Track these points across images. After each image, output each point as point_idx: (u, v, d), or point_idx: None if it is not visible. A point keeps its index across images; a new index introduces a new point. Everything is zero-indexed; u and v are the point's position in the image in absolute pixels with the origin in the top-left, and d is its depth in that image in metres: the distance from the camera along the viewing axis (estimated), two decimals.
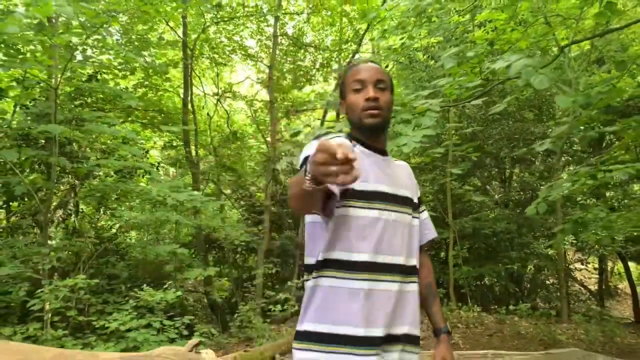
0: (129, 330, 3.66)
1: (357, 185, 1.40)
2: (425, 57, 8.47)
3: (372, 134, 1.52)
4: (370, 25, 9.54)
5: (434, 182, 8.29)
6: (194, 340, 2.04)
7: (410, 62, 8.90)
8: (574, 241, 8.67)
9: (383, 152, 1.56)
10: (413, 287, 1.48)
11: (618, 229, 4.45)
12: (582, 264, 9.51)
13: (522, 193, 8.89)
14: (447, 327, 1.60)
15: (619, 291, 12.29)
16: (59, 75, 4.40)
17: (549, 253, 8.04)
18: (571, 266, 9.83)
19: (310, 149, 1.38)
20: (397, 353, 1.40)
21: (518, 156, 8.35)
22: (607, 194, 8.30)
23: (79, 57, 5.35)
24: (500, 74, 2.22)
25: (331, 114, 10.63)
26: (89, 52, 6.14)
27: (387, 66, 8.11)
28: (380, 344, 1.36)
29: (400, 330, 1.41)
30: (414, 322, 1.46)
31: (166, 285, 4.68)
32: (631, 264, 10.74)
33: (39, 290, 4.02)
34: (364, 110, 1.49)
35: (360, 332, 1.34)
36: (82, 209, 8.69)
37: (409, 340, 1.43)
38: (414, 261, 1.49)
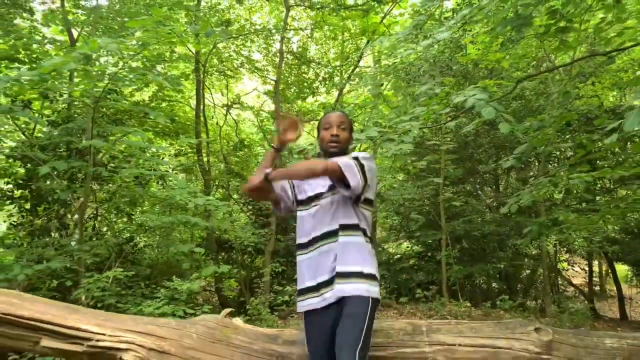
0: (162, 314, 4.30)
1: (300, 197, 2.37)
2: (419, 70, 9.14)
3: (331, 157, 2.28)
4: (370, 40, 10.25)
5: (428, 187, 8.94)
6: (227, 310, 2.70)
7: (406, 75, 9.58)
8: (561, 241, 9.27)
9: None
10: (336, 244, 2.19)
11: (578, 229, 5.08)
12: (569, 264, 10.10)
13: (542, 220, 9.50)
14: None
15: (613, 293, 12.82)
16: (97, 97, 5.08)
17: (533, 253, 8.66)
18: (564, 267, 10.41)
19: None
20: (330, 291, 2.14)
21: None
22: (598, 197, 8.89)
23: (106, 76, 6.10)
24: (462, 104, 2.86)
25: None
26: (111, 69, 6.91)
27: (382, 84, 8.76)
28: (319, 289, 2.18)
29: (322, 278, 2.18)
30: (341, 263, 2.15)
31: (191, 277, 5.33)
32: (625, 267, 11.29)
33: (85, 281, 4.68)
34: (329, 143, 2.30)
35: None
36: (101, 212, 9.36)
37: (338, 275, 2.14)
38: (335, 225, 2.20)
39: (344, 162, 2.13)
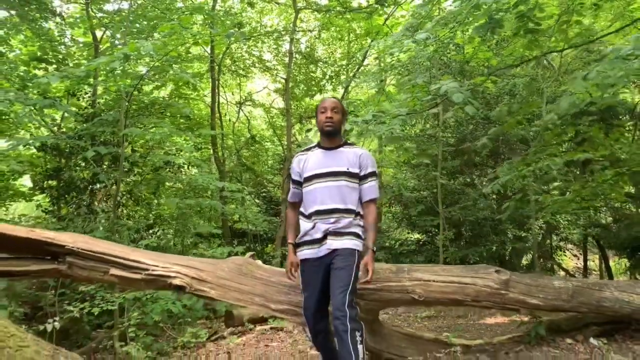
0: None
1: (305, 174, 2.91)
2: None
3: (327, 137, 2.94)
4: (374, 40, 10.91)
5: (427, 176, 9.60)
6: (250, 252, 3.39)
7: (412, 86, 10.24)
8: (552, 227, 9.87)
9: (332, 148, 2.93)
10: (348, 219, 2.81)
11: (553, 209, 5.70)
12: (561, 250, 10.69)
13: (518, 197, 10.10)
14: (374, 247, 2.81)
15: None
16: (131, 93, 5.82)
17: (523, 235, 9.28)
18: (559, 255, 10.98)
19: (293, 163, 3.01)
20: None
21: (504, 154, 9.65)
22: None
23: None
24: (437, 92, 3.52)
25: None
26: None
27: (382, 80, 9.39)
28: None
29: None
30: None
31: (217, 245, 6.04)
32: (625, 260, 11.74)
33: None
34: (324, 124, 2.89)
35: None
36: (125, 201, 10.12)
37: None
38: (350, 206, 2.81)
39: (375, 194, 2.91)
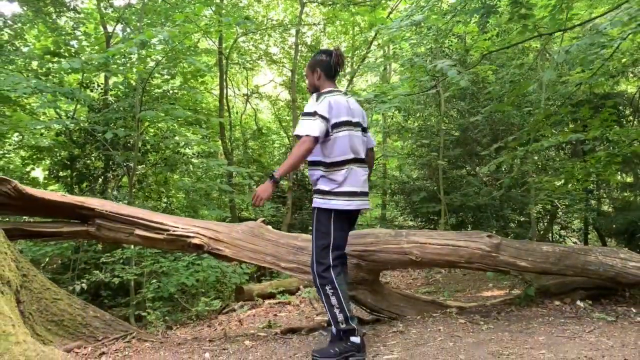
0: None
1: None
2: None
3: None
4: (377, 33, 11.18)
5: (430, 165, 9.87)
6: (262, 218, 3.69)
7: (411, 65, 10.51)
8: (550, 213, 10.12)
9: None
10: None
11: (547, 190, 5.97)
12: (560, 237, 10.94)
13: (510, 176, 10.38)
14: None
15: None
16: (146, 79, 6.14)
17: (522, 220, 9.54)
18: (559, 242, 11.24)
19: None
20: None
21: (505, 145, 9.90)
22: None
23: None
24: (434, 71, 3.80)
25: None
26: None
27: (383, 68, 9.62)
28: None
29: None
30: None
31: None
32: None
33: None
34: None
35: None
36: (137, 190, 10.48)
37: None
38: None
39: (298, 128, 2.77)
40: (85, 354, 3.02)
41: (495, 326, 3.34)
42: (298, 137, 2.75)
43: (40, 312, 3.11)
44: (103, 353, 3.09)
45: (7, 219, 4.11)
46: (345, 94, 3.09)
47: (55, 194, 3.37)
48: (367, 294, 3.69)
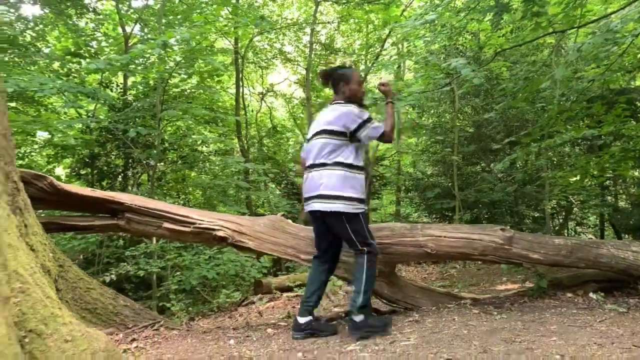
0: None
1: None
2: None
3: (362, 106, 3.27)
4: (391, 31, 11.27)
5: (444, 161, 9.95)
6: (282, 212, 3.85)
7: (425, 64, 10.59)
8: (565, 208, 10.13)
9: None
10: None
11: (562, 185, 6.03)
12: (576, 233, 10.95)
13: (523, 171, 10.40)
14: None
15: None
16: (167, 79, 6.33)
17: (536, 216, 9.58)
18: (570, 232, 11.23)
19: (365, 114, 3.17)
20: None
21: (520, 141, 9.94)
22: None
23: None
24: (448, 69, 3.91)
25: None
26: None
27: (397, 66, 9.71)
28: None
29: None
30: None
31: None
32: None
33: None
34: (364, 94, 3.30)
35: None
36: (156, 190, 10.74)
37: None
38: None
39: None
40: (118, 340, 3.20)
41: (508, 316, 3.45)
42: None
43: (75, 300, 3.29)
44: (134, 339, 3.27)
45: (43, 214, 4.30)
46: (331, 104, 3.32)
47: (87, 189, 3.56)
48: (384, 286, 3.82)
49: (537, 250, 3.79)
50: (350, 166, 3.11)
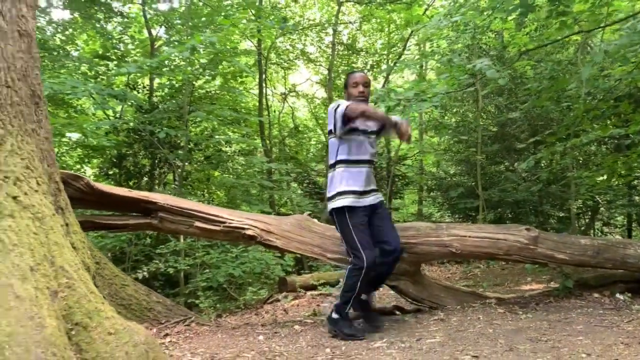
0: None
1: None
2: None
3: None
4: (414, 31, 11.26)
5: (467, 161, 9.91)
6: (308, 212, 3.93)
7: (448, 62, 10.56)
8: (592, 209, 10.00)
9: None
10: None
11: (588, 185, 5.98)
12: (602, 233, 10.79)
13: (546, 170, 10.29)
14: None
15: None
16: (194, 81, 6.49)
17: (561, 216, 9.48)
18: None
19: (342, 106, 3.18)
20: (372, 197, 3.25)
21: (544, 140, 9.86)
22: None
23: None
24: (472, 70, 3.93)
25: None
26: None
27: (420, 66, 9.67)
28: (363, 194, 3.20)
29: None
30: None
31: None
32: None
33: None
34: (357, 97, 3.25)
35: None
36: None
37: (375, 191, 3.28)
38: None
39: None
40: (152, 335, 3.33)
41: (533, 316, 3.47)
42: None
43: (111, 296, 3.43)
44: (167, 334, 3.39)
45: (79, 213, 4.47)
46: None
47: (122, 189, 3.70)
48: (409, 285, 3.87)
49: (563, 250, 3.80)
50: (346, 162, 3.23)
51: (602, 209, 9.88)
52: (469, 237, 3.73)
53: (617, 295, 4.00)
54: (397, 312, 3.97)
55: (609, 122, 7.73)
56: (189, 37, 6.29)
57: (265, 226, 3.60)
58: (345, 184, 3.19)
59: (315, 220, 3.88)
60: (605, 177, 6.11)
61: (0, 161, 2.34)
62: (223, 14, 8.31)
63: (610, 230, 11.54)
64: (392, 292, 4.50)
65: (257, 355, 2.78)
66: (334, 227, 3.84)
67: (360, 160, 3.26)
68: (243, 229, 3.53)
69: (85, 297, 2.25)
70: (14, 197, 2.28)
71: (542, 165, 10.25)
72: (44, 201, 2.47)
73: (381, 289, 5.38)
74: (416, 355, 2.61)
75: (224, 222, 3.55)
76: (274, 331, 3.47)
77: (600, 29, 4.61)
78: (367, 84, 3.30)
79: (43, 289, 2.06)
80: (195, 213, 3.60)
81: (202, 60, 7.10)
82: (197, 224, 3.59)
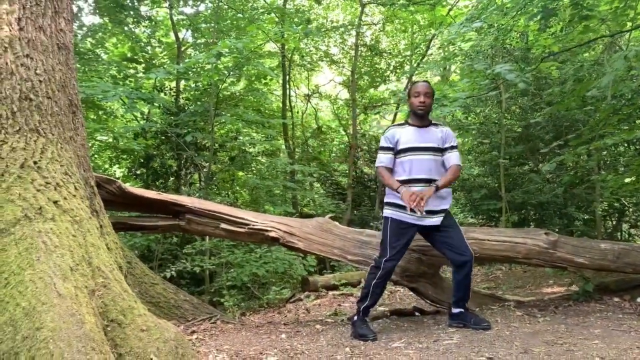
0: None
1: (399, 147, 3.35)
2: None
3: (419, 117, 3.41)
4: (437, 33, 11.24)
5: (491, 162, 9.87)
6: (330, 214, 4.05)
7: (470, 71, 10.52)
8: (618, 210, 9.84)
9: (424, 126, 3.42)
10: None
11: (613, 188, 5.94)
12: (629, 236, 10.59)
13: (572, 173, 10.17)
14: (437, 184, 3.28)
15: None
16: (220, 86, 6.67)
17: (585, 218, 9.36)
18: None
19: (382, 141, 3.43)
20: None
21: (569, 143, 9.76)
22: None
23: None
24: (493, 75, 3.98)
25: (402, 108, 12.45)
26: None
27: (443, 68, 9.69)
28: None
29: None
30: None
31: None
32: None
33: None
34: (418, 107, 3.36)
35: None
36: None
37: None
38: (435, 176, 3.31)
39: (457, 161, 3.34)
40: (180, 332, 3.49)
41: (551, 319, 3.51)
42: (458, 166, 3.36)
43: (141, 294, 3.61)
44: (194, 331, 3.55)
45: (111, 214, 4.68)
46: None
47: (152, 192, 3.88)
48: (428, 287, 3.95)
49: (582, 254, 3.82)
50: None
51: (629, 211, 9.71)
52: (488, 240, 3.78)
53: (638, 299, 4.00)
54: (417, 314, 4.05)
55: (636, 123, 7.64)
56: (215, 41, 6.49)
57: (288, 228, 3.73)
58: (393, 197, 3.42)
59: (337, 223, 3.98)
60: (633, 178, 6.04)
61: (42, 168, 2.53)
62: (247, 17, 8.51)
63: (638, 232, 11.32)
64: (412, 293, 4.57)
65: (279, 353, 2.90)
66: (354, 230, 3.95)
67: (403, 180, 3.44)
68: (267, 231, 3.67)
69: (119, 296, 2.41)
70: (55, 202, 2.45)
71: (569, 166, 10.16)
72: (81, 205, 2.64)
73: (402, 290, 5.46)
74: (432, 356, 2.69)
75: (249, 225, 3.69)
76: (296, 330, 3.59)
77: (623, 32, 4.57)
78: (428, 95, 3.38)
79: (82, 287, 2.22)
80: (221, 215, 3.75)
81: (229, 64, 7.28)
82: (223, 225, 3.74)
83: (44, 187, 2.45)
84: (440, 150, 3.38)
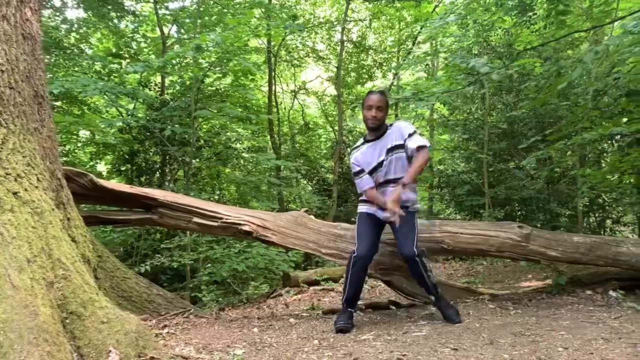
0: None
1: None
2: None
3: (372, 131, 3.37)
4: (422, 27, 11.26)
5: (474, 158, 9.92)
6: (304, 208, 4.03)
7: (446, 65, 10.55)
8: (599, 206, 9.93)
9: (380, 136, 3.37)
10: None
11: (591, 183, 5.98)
12: (611, 231, 10.69)
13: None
14: (404, 182, 3.21)
15: None
16: (200, 80, 6.63)
17: (568, 214, 9.44)
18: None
19: (352, 167, 3.45)
20: None
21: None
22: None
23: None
24: (468, 69, 3.99)
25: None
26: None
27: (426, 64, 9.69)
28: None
29: None
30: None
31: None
32: None
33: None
34: (369, 120, 3.31)
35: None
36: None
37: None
38: (396, 175, 3.31)
39: (419, 142, 3.23)
40: (151, 326, 3.46)
41: (523, 311, 3.53)
42: (421, 147, 3.22)
43: (112, 288, 3.57)
44: (165, 325, 3.52)
45: (85, 208, 4.63)
46: None
47: (124, 185, 3.84)
48: (403, 280, 3.95)
49: (555, 247, 3.84)
50: None
51: (611, 207, 9.79)
52: (461, 233, 3.80)
53: (610, 292, 4.03)
54: (392, 307, 4.06)
55: (613, 119, 7.71)
56: (197, 36, 6.44)
57: (262, 222, 3.71)
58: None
59: (312, 216, 3.97)
60: (616, 175, 6.10)
61: (2, 159, 2.48)
62: (231, 12, 8.45)
63: (619, 227, 11.42)
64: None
65: (247, 346, 2.89)
66: (328, 223, 3.95)
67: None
68: (239, 224, 3.64)
69: (80, 288, 2.38)
70: (15, 193, 2.42)
71: (554, 162, 10.22)
72: (43, 197, 2.60)
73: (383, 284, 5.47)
74: (399, 348, 2.69)
75: (222, 218, 3.67)
76: (269, 324, 3.58)
77: (599, 27, 4.60)
78: (381, 108, 3.29)
79: (39, 279, 2.19)
80: (194, 209, 3.72)
81: (211, 59, 7.23)
82: (195, 219, 3.71)
83: (3, 178, 2.41)
84: (402, 146, 3.33)
